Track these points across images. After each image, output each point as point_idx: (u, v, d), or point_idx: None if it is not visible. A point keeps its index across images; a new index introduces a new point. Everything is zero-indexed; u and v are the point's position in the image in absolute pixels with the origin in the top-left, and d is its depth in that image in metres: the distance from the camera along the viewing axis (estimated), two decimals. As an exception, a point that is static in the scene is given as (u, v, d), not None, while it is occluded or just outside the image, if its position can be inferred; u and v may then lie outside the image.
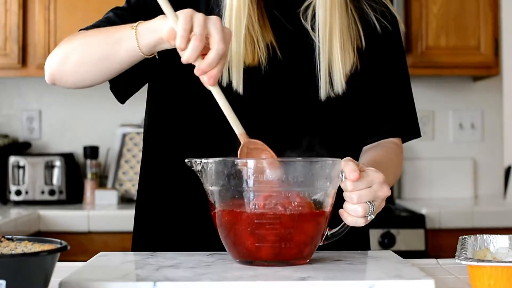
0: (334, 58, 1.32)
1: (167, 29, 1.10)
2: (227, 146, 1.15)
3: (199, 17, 1.08)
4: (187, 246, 1.28)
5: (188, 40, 1.07)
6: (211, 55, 1.07)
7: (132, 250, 1.42)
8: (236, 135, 1.14)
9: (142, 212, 1.43)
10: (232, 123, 1.13)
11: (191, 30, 1.07)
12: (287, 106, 1.34)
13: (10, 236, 0.94)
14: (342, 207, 1.11)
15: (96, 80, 1.27)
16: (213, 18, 1.09)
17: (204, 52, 1.08)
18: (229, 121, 1.13)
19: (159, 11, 1.15)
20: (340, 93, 1.32)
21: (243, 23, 1.29)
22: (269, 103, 1.33)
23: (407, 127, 1.45)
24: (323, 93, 1.32)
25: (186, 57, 1.07)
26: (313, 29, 1.35)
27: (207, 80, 1.10)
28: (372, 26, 1.39)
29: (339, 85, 1.32)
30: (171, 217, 1.38)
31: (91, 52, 1.24)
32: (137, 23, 1.17)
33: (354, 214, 1.09)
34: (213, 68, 1.08)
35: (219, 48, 1.07)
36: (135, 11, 1.34)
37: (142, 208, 1.43)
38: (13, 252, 0.87)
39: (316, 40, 1.34)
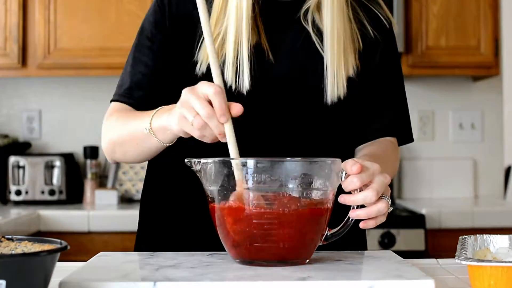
0: (339, 62, 1.32)
1: (175, 129, 1.16)
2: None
3: (193, 101, 1.08)
4: (188, 246, 1.28)
5: (201, 125, 1.09)
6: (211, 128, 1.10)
7: (135, 250, 1.42)
8: (244, 137, 1.14)
9: (147, 212, 1.43)
10: (236, 169, 1.07)
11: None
12: (289, 110, 1.34)
13: (10, 236, 0.94)
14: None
15: (144, 160, 1.38)
16: (198, 90, 1.09)
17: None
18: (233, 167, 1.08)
19: (176, 32, 1.28)
20: (341, 97, 1.33)
21: (244, 31, 1.29)
22: (271, 108, 1.33)
23: (401, 131, 1.46)
24: (329, 96, 1.33)
25: (207, 141, 1.14)
26: (314, 32, 1.35)
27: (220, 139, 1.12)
28: (366, 29, 1.39)
29: (341, 89, 1.33)
30: (174, 217, 1.38)
31: (129, 150, 1.34)
32: (150, 120, 1.22)
33: (380, 213, 1.09)
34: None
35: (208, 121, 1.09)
36: (156, 42, 1.38)
37: (147, 208, 1.43)
38: (13, 252, 0.87)
39: (316, 43, 1.34)
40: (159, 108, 1.23)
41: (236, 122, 1.14)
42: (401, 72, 1.47)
